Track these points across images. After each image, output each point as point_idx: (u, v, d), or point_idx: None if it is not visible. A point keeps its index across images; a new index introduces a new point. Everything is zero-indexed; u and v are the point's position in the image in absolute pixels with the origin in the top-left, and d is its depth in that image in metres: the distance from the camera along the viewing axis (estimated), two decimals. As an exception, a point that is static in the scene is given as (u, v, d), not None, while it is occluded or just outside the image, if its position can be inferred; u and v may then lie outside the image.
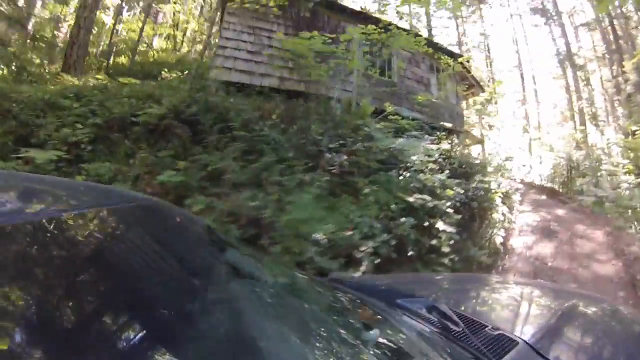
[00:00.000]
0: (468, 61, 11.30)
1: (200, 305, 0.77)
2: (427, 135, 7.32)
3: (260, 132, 5.16)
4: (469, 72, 12.36)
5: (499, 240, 6.40)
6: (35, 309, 0.57)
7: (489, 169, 9.36)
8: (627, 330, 1.47)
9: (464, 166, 7.18)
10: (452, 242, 4.26)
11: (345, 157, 4.67)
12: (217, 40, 10.12)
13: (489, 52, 25.73)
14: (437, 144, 7.94)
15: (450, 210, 4.63)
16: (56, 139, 5.46)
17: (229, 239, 1.45)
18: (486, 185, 5.95)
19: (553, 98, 25.67)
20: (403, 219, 4.01)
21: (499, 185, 7.54)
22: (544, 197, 10.84)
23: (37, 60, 12.46)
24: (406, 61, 10.57)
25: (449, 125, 9.16)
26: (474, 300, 1.67)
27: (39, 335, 0.51)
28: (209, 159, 5.01)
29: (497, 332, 1.08)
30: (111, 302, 0.66)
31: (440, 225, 4.34)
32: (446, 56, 9.80)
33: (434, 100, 10.00)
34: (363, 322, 1.06)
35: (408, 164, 5.01)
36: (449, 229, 4.36)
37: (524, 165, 16.04)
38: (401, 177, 4.78)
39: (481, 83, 14.96)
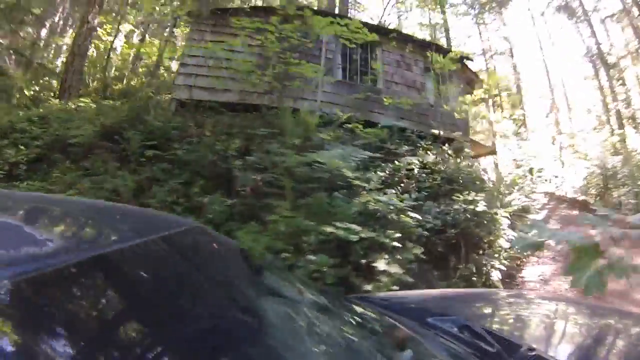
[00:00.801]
0: (468, 57, 9.81)
1: (251, 326, 0.80)
2: (405, 147, 6.12)
3: (176, 151, 4.28)
4: (469, 69, 10.78)
5: (497, 274, 4.97)
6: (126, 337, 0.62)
7: (505, 184, 7.90)
8: None
9: (453, 182, 5.87)
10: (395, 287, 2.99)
11: (258, 176, 3.58)
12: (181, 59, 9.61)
13: (512, 57, 23.95)
14: (423, 154, 6.66)
15: (398, 244, 3.35)
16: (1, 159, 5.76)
17: (264, 261, 1.57)
18: (472, 207, 4.59)
19: (586, 102, 23.30)
20: (312, 257, 2.83)
21: (509, 204, 6.15)
22: (575, 212, 9.60)
23: (35, 87, 12.88)
24: (394, 64, 9.44)
25: (441, 132, 7.84)
26: (507, 318, 1.59)
27: None
28: (113, 181, 4.61)
29: (533, 354, 1.03)
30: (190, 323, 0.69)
31: (380, 264, 3.08)
32: (441, 55, 8.48)
33: (428, 104, 8.70)
34: (396, 342, 1.03)
35: (348, 183, 3.82)
36: (395, 269, 3.09)
37: (556, 177, 14.30)
38: (339, 199, 3.59)
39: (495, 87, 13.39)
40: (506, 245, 5.34)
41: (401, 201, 3.73)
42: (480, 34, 23.69)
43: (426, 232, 3.88)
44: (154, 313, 0.69)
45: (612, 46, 20.41)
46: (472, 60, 11.64)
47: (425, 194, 5.03)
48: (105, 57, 15.24)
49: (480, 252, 5.02)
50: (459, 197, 4.82)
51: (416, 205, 4.33)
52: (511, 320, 1.56)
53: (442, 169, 5.88)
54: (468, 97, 9.76)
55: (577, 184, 13.24)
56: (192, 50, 8.41)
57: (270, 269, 1.35)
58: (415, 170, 5.68)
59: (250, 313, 0.86)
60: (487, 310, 1.70)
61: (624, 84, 19.27)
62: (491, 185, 7.07)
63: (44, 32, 16.01)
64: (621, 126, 17.30)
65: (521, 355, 1.00)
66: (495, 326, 1.34)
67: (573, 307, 1.82)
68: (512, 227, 5.71)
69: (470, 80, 11.35)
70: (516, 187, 8.48)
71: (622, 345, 1.34)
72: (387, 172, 4.76)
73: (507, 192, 7.41)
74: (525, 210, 7.43)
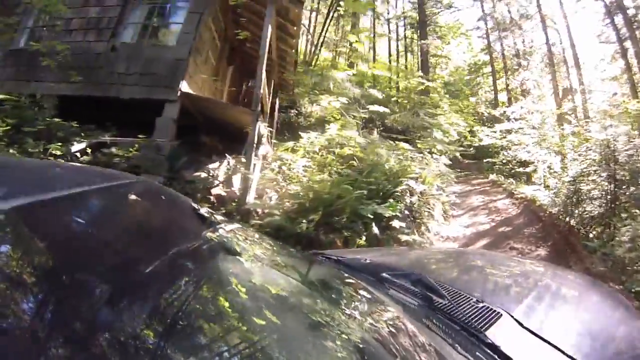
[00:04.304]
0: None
1: (191, 281, 0.78)
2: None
3: None
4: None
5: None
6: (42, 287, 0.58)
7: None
8: (594, 297, 1.57)
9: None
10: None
11: None
12: None
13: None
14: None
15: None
16: None
17: (215, 216, 1.34)
18: None
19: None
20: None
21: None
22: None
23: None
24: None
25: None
26: (459, 274, 1.67)
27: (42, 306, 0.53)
28: None
29: (482, 305, 1.10)
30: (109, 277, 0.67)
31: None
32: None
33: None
34: (350, 296, 1.09)
35: None
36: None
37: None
38: None
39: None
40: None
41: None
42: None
43: None
44: (80, 268, 0.66)
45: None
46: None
47: None
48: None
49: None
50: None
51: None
52: (463, 275, 1.65)
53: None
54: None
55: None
56: None
57: (224, 225, 1.26)
58: None
59: (195, 273, 0.84)
60: (441, 267, 1.81)
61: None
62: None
63: None
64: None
65: (471, 306, 1.09)
66: (447, 280, 1.36)
67: (519, 264, 2.01)
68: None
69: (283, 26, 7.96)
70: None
71: (558, 296, 1.48)
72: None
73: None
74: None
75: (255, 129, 5.92)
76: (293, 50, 8.83)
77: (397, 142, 8.62)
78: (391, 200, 5.52)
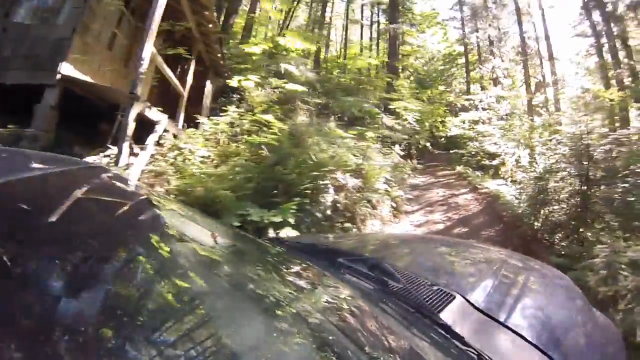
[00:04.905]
0: None
1: (141, 267, 0.74)
2: None
3: None
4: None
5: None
6: None
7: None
8: (548, 284, 1.63)
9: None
10: None
11: None
12: None
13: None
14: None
15: None
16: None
17: (169, 201, 1.35)
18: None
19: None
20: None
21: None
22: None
23: None
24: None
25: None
26: (416, 259, 1.68)
27: None
28: None
29: (436, 288, 1.14)
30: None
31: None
32: None
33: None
34: (306, 282, 1.07)
35: None
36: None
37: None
38: None
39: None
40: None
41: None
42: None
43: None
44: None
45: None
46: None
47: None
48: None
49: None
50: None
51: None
52: (419, 260, 1.65)
53: None
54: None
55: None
56: None
57: (178, 213, 1.18)
58: None
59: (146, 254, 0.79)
60: (397, 252, 1.80)
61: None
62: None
63: None
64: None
65: (425, 289, 1.12)
66: (403, 265, 1.38)
67: (473, 249, 2.07)
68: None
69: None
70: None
71: (509, 279, 1.49)
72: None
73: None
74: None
75: (129, 114, 5.02)
76: (211, 26, 7.57)
77: (348, 130, 7.54)
78: (297, 198, 4.47)
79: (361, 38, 24.09)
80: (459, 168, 12.76)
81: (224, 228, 1.30)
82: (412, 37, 21.37)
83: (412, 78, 22.62)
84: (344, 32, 23.98)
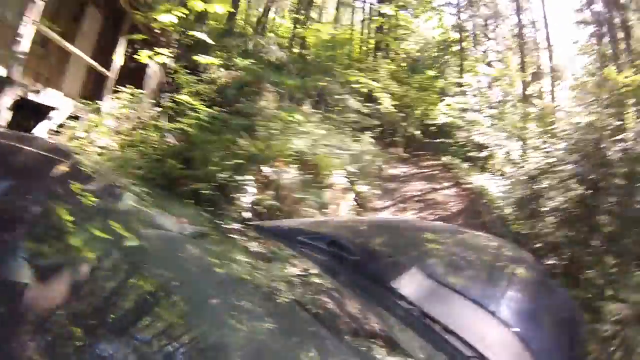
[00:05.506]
0: None
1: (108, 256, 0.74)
2: None
3: None
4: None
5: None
6: None
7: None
8: (507, 256, 1.68)
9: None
10: None
11: None
12: None
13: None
14: None
15: None
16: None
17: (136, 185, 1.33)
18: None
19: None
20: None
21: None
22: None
23: None
24: None
25: None
26: (375, 236, 1.73)
27: None
28: None
29: (391, 259, 1.24)
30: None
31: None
32: None
33: None
34: (260, 256, 1.10)
35: None
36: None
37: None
38: None
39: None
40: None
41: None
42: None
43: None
44: None
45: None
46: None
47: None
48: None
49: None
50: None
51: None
52: (378, 237, 1.68)
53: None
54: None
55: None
56: None
57: (148, 195, 1.22)
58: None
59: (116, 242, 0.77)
60: (359, 231, 1.84)
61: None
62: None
63: None
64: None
65: (381, 261, 1.22)
66: (363, 242, 1.40)
67: (432, 225, 2.25)
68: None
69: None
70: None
71: (461, 250, 1.56)
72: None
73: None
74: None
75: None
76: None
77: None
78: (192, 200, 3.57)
79: (352, 21, 23.19)
80: (445, 158, 11.85)
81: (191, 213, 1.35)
82: (404, 20, 20.35)
83: (404, 64, 21.62)
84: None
